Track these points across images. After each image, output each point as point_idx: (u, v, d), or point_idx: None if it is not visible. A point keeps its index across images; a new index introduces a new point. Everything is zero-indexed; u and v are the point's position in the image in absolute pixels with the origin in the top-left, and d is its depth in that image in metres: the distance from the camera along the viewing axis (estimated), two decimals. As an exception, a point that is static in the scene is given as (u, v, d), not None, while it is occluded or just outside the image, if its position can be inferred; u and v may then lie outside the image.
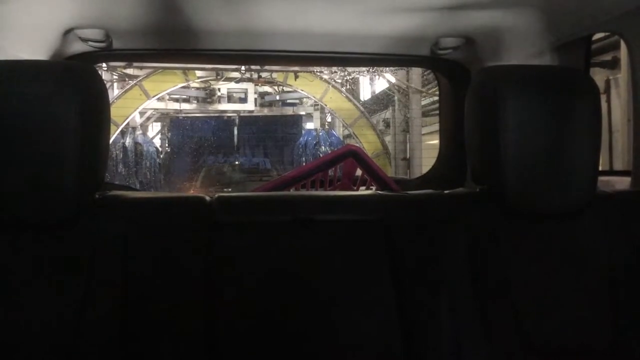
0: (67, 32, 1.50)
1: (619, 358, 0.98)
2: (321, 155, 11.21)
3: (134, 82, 9.90)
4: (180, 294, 0.95)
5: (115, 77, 10.34)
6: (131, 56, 1.99)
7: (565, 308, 1.00)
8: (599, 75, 4.94)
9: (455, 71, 1.86)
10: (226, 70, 10.50)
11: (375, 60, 2.27)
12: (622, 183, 1.42)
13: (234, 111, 13.19)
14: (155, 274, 0.95)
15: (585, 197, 1.01)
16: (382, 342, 0.98)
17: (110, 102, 1.22)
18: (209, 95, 12.05)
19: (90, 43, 1.57)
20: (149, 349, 0.92)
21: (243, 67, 10.04)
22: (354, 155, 1.67)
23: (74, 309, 0.90)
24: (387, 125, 11.97)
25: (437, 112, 2.26)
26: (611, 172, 2.91)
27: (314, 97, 10.85)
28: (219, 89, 11.90)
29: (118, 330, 0.91)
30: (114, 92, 10.22)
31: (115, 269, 0.93)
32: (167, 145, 15.27)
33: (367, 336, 0.98)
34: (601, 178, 1.12)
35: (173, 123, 15.40)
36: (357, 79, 12.19)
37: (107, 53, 1.69)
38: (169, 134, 15.48)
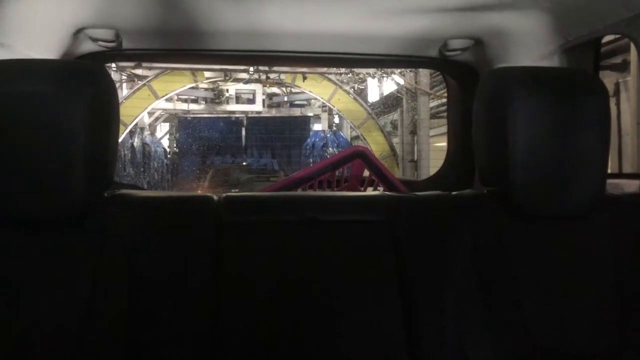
0: (78, 32, 1.51)
1: None
2: (328, 156, 11.21)
3: (143, 82, 9.94)
4: (187, 293, 0.95)
5: (124, 77, 10.38)
6: (140, 56, 2.01)
7: (572, 310, 0.99)
8: (608, 79, 4.92)
9: (464, 73, 1.86)
10: (234, 71, 10.52)
11: (383, 62, 2.27)
12: (631, 186, 1.41)
13: (242, 112, 13.21)
14: (162, 272, 0.95)
15: (593, 200, 1.00)
16: (387, 343, 0.98)
17: (119, 102, 1.23)
18: (217, 96, 12.08)
19: (100, 43, 1.58)
20: (154, 347, 0.92)
21: (251, 68, 10.06)
22: (362, 157, 1.67)
23: (82, 307, 0.91)
24: (395, 127, 11.95)
25: (445, 114, 2.26)
26: (620, 175, 2.89)
27: (321, 98, 10.84)
28: (227, 90, 11.92)
29: (125, 329, 0.91)
30: (123, 92, 10.26)
31: (123, 267, 0.94)
32: (175, 145, 15.32)
33: (372, 336, 0.98)
34: (610, 181, 1.11)
35: (181, 123, 15.44)
36: (366, 80, 12.17)
37: (117, 53, 1.70)
38: (177, 134, 15.52)
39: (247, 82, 11.23)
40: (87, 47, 1.61)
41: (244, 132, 15.85)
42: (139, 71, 10.08)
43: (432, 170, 8.16)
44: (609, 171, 1.05)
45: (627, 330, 0.98)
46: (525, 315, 0.97)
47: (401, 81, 10.56)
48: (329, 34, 1.62)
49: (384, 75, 10.64)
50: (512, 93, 0.97)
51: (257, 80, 11.22)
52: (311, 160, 13.32)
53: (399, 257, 1.02)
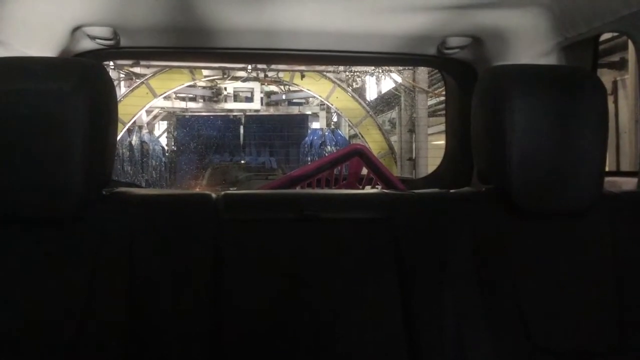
0: (76, 30, 1.51)
1: (625, 359, 0.97)
2: (327, 154, 11.21)
3: (141, 80, 9.93)
4: (186, 291, 0.95)
5: (122, 75, 10.37)
6: (138, 54, 2.02)
7: (571, 308, 0.99)
8: (606, 76, 4.93)
9: (462, 71, 1.86)
10: (233, 69, 10.52)
11: (382, 60, 2.28)
12: (629, 184, 1.42)
13: (240, 110, 13.21)
14: (161, 271, 0.95)
15: (591, 197, 1.00)
16: (387, 342, 0.98)
17: (117, 100, 1.23)
18: (216, 94, 12.07)
19: (98, 41, 1.58)
20: (153, 346, 0.92)
21: (249, 66, 10.06)
22: (360, 154, 1.67)
23: (80, 306, 0.91)
24: (393, 125, 11.95)
25: (443, 112, 2.27)
26: (618, 173, 2.90)
27: (320, 96, 10.84)
28: (226, 88, 11.91)
29: (123, 327, 0.91)
30: (121, 90, 10.25)
31: (121, 265, 0.93)
32: (173, 143, 15.32)
33: (371, 335, 0.98)
34: (608, 178, 1.11)
35: (179, 122, 15.45)
36: (364, 78, 12.17)
37: (115, 51, 1.70)
38: (176, 132, 15.52)
39: (245, 80, 11.23)
40: (85, 45, 1.61)
41: (242, 131, 15.88)
42: (136, 69, 10.07)
43: (430, 169, 8.18)
44: (607, 169, 1.05)
45: (628, 329, 0.98)
46: (524, 313, 0.97)
47: (399, 79, 10.56)
48: (328, 32, 1.62)
49: (382, 73, 10.64)
50: (510, 91, 0.97)
51: (255, 79, 11.22)
52: (309, 158, 13.31)
53: (397, 255, 1.02)
